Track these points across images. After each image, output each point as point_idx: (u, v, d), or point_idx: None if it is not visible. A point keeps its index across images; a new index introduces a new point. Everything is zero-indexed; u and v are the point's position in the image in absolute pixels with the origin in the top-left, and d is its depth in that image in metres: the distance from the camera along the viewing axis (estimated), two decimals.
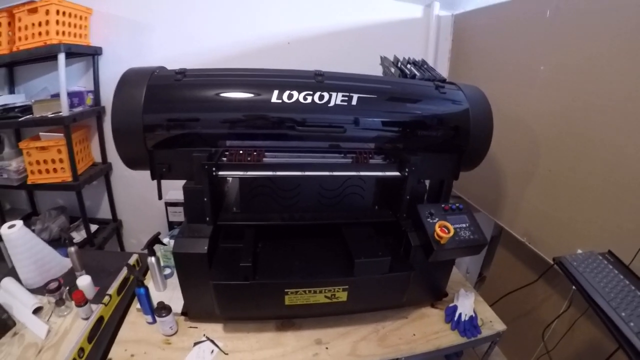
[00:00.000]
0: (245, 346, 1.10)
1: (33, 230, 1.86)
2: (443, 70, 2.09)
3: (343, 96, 1.02)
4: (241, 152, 1.05)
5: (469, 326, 1.21)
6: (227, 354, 1.07)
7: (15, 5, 1.57)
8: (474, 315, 1.25)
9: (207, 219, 1.08)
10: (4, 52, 1.64)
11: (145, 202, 2.14)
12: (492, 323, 1.25)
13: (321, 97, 1.00)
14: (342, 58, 1.95)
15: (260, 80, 1.05)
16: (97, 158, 2.04)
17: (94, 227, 2.04)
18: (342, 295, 1.07)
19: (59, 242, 1.79)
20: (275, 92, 0.99)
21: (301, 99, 0.99)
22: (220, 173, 1.02)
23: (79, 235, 1.96)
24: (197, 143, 1.02)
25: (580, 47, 1.26)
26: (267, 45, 1.95)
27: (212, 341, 1.10)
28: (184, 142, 1.02)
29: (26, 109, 1.70)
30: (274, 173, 1.04)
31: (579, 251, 1.27)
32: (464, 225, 1.11)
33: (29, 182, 1.73)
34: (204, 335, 1.13)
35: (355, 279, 1.06)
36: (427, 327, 1.22)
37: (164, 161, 1.04)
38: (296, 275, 1.05)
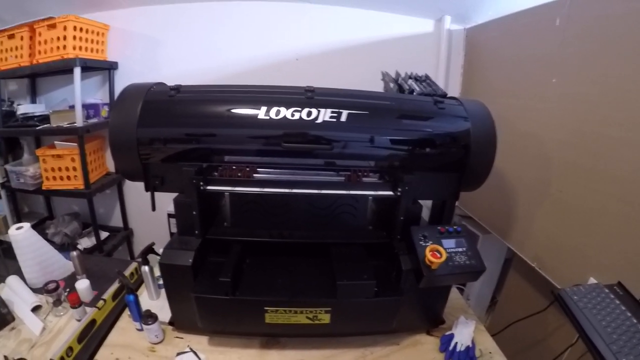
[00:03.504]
0: None
1: (46, 234, 1.98)
2: (455, 86, 2.04)
3: (332, 112, 0.99)
4: (234, 167, 1.05)
5: (465, 357, 1.14)
6: None
7: (36, 21, 1.68)
8: (471, 345, 1.17)
9: (196, 232, 1.09)
10: (25, 64, 1.76)
11: (156, 211, 2.18)
12: (491, 355, 1.17)
13: (309, 114, 0.99)
14: (351, 74, 1.94)
15: (249, 96, 1.06)
16: (112, 168, 2.14)
17: (104, 234, 2.11)
18: (325, 318, 1.04)
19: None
20: (263, 109, 0.98)
21: (288, 115, 0.98)
22: (209, 187, 1.03)
23: (89, 241, 2.03)
24: (189, 157, 1.03)
25: (594, 57, 1.18)
26: (276, 61, 1.97)
27: (195, 353, 1.09)
28: (176, 156, 1.03)
29: (44, 118, 1.80)
30: (262, 189, 1.04)
31: (591, 279, 1.18)
32: (460, 249, 1.05)
33: (43, 188, 1.82)
34: (188, 346, 1.13)
35: (337, 302, 1.02)
36: (419, 356, 1.15)
37: (157, 174, 1.06)
38: (277, 293, 1.03)
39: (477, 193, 1.17)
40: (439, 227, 1.09)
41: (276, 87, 1.10)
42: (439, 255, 0.99)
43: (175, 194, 1.12)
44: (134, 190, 2.20)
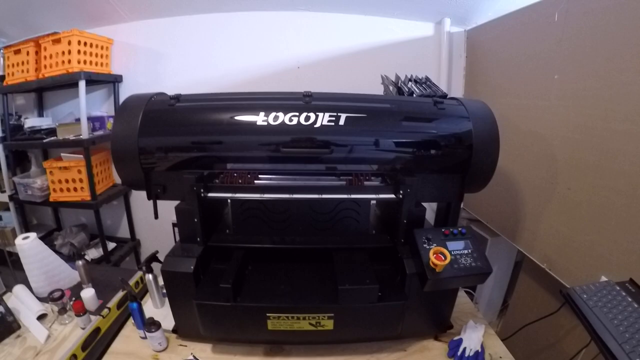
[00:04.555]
0: None
1: (54, 245, 2.00)
2: (458, 88, 2.03)
3: (330, 116, 0.99)
4: (235, 174, 1.06)
5: None
6: None
7: (41, 36, 1.73)
8: (480, 350, 1.14)
9: (198, 239, 1.09)
10: (31, 78, 1.81)
11: (162, 222, 2.18)
12: (501, 359, 1.14)
13: (307, 118, 0.99)
14: (352, 80, 1.96)
15: (248, 103, 1.06)
16: (118, 180, 2.17)
17: (112, 245, 2.13)
18: (328, 324, 1.02)
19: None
20: (261, 114, 0.99)
21: (287, 121, 0.98)
22: (210, 195, 1.03)
23: (97, 252, 2.05)
24: (190, 165, 1.04)
25: (594, 50, 1.16)
26: (278, 70, 2.00)
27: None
28: (177, 164, 1.04)
29: (51, 132, 1.84)
30: (262, 195, 1.04)
31: (603, 278, 1.15)
32: (465, 251, 1.03)
33: (51, 200, 1.85)
34: (191, 354, 1.12)
35: (340, 307, 1.00)
36: None
37: (159, 182, 1.07)
38: (279, 299, 1.02)
39: (484, 195, 1.15)
40: (443, 229, 1.07)
41: (274, 93, 1.11)
42: (443, 257, 0.97)
43: (178, 202, 1.12)
44: (141, 201, 2.22)
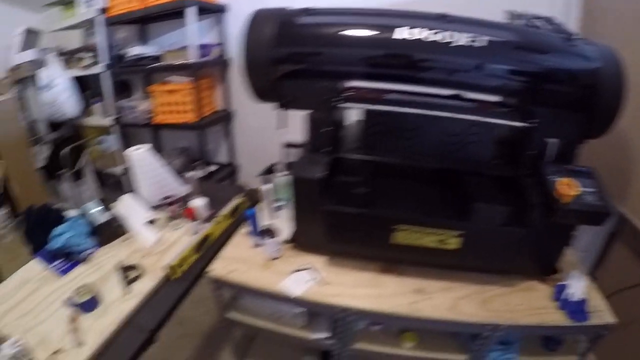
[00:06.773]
0: (344, 280, 1.11)
1: None
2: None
3: (467, 38, 0.98)
4: (365, 90, 1.07)
5: (578, 309, 1.09)
6: (328, 283, 1.09)
7: None
8: (584, 298, 1.12)
9: (326, 149, 1.12)
10: (136, 7, 1.87)
11: (262, 148, 2.08)
12: (601, 313, 1.10)
13: (444, 37, 0.97)
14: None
15: (382, 17, 1.06)
16: (220, 107, 2.23)
17: (212, 168, 2.25)
18: (453, 242, 1.03)
19: None
20: (397, 30, 0.98)
21: (423, 37, 0.97)
22: (342, 105, 1.05)
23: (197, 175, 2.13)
24: (322, 77, 1.07)
25: None
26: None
27: (315, 269, 1.12)
28: (309, 75, 1.07)
29: (156, 59, 1.91)
30: (394, 108, 1.05)
31: None
32: (589, 189, 1.00)
33: (155, 122, 1.95)
34: (309, 264, 1.15)
35: (471, 225, 1.01)
36: (533, 301, 1.12)
37: (289, 92, 1.10)
38: (410, 211, 1.04)
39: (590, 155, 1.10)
40: (568, 166, 1.05)
41: (408, 11, 1.08)
42: (571, 189, 0.96)
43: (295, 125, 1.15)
44: (242, 128, 2.26)
